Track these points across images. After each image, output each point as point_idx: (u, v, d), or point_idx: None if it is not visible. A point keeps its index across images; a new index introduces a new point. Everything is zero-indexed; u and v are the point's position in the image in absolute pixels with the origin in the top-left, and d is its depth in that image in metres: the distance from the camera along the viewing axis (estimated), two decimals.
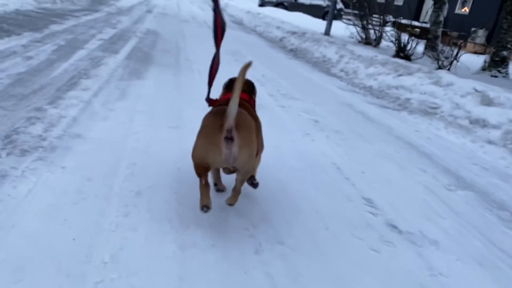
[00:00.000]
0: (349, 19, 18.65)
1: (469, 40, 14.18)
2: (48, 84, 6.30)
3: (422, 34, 16.81)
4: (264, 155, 4.76)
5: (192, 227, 3.28)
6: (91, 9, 17.84)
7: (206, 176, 3.19)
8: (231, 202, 3.47)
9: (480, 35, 24.08)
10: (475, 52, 19.23)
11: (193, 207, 3.53)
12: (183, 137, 4.87)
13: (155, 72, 8.37)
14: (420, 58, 13.92)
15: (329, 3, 24.24)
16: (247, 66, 2.98)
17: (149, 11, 21.34)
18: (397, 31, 14.60)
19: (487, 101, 7.96)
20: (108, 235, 3.01)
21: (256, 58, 11.84)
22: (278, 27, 19.70)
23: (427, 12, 18.22)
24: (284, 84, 9.07)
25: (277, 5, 33.09)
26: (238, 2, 33.50)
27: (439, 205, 4.41)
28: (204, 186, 3.18)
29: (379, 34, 16.61)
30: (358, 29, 17.18)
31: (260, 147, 3.52)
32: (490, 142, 6.89)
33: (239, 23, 23.82)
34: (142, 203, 3.50)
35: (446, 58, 12.90)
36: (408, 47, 13.97)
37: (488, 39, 24.52)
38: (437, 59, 12.83)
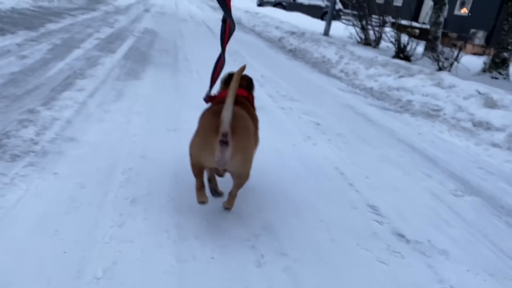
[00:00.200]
0: (348, 20, 18.49)
1: (468, 41, 14.06)
2: (42, 84, 6.12)
3: (421, 35, 16.68)
4: (266, 160, 4.64)
5: (190, 238, 3.11)
6: (88, 7, 17.65)
7: (202, 177, 3.18)
8: (228, 206, 3.40)
9: (479, 36, 23.98)
10: (474, 53, 19.14)
11: (191, 215, 3.38)
12: (181, 140, 4.68)
13: (152, 72, 8.19)
14: (420, 59, 13.78)
15: (328, 4, 24.14)
16: (242, 70, 2.92)
17: (147, 10, 21.15)
18: (397, 32, 14.46)
19: (491, 104, 7.81)
20: (101, 248, 2.84)
21: (255, 58, 11.69)
22: (277, 27, 19.55)
23: (427, 13, 18.11)
24: (284, 85, 8.91)
25: (275, 5, 32.96)
26: (236, 1, 33.29)
27: (446, 212, 4.25)
28: (200, 189, 3.19)
29: (379, 34, 16.46)
30: (358, 29, 17.03)
31: (255, 142, 3.49)
32: (494, 145, 6.75)
33: (237, 23, 23.63)
34: (137, 211, 3.32)
35: (446, 59, 12.77)
36: (408, 48, 13.83)
37: (487, 40, 24.45)
38: (437, 60, 12.69)
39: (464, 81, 9.03)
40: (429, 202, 4.43)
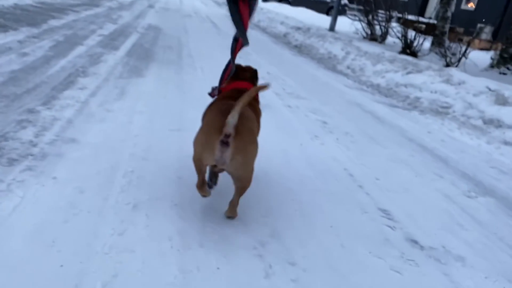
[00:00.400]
0: (354, 15, 18.29)
1: (477, 36, 13.88)
2: (43, 82, 5.97)
3: (428, 30, 16.48)
4: (272, 160, 4.51)
5: (194, 247, 2.95)
6: (91, 3, 17.47)
7: (203, 174, 3.17)
8: (230, 214, 3.30)
9: (486, 31, 23.73)
10: (480, 49, 18.92)
11: (195, 221, 3.24)
12: (184, 141, 4.53)
13: (156, 69, 8.04)
14: (427, 54, 13.60)
15: None
16: (262, 87, 3.00)
17: (151, 6, 20.97)
18: (404, 27, 14.28)
19: (502, 101, 7.63)
20: (100, 259, 2.68)
21: (260, 54, 11.52)
22: (282, 23, 19.37)
23: (434, 8, 17.90)
24: (290, 82, 8.75)
25: (280, 0, 32.73)
26: None
27: (460, 215, 4.10)
28: (201, 186, 3.22)
29: (385, 30, 16.26)
30: (364, 24, 16.84)
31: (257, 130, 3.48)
32: (506, 143, 6.58)
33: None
34: (139, 218, 3.18)
35: (453, 54, 12.60)
36: (415, 43, 13.65)
37: (494, 35, 24.21)
38: (445, 56, 12.52)
39: (474, 77, 8.86)
40: (442, 204, 4.28)
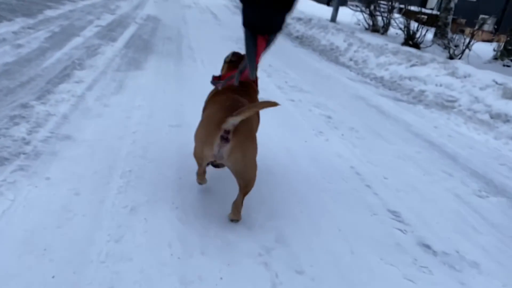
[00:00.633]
0: (356, 6, 18.05)
1: (480, 28, 13.67)
2: (38, 75, 5.77)
3: (429, 21, 16.26)
4: (276, 158, 4.34)
5: (196, 254, 2.77)
6: None
7: (203, 167, 3.23)
8: (234, 217, 3.13)
9: (488, 22, 23.55)
10: (482, 40, 18.72)
11: (197, 226, 3.06)
12: (185, 138, 4.36)
13: (155, 61, 7.84)
14: (430, 46, 13.40)
15: None
16: (272, 104, 2.92)
17: None
18: (407, 18, 14.08)
19: (510, 94, 7.44)
20: (95, 269, 2.50)
21: None
22: None
23: None
24: (292, 75, 8.55)
25: None
26: None
27: (472, 216, 3.93)
28: (200, 175, 3.35)
29: (387, 21, 16.04)
30: (365, 15, 16.62)
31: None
32: None
33: None
34: (137, 222, 2.99)
35: (456, 46, 12.42)
36: (418, 34, 13.46)
37: (496, 27, 24.02)
38: (448, 47, 12.33)
39: (479, 70, 8.65)
40: (453, 205, 4.10)
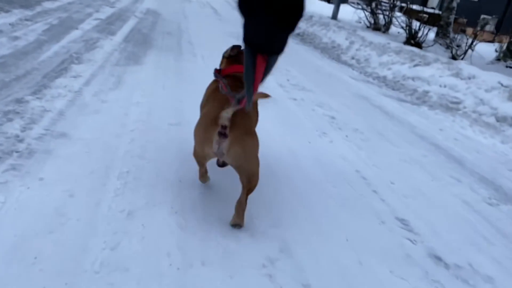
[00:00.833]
0: (357, 3, 17.88)
1: (483, 28, 13.51)
2: (34, 69, 5.59)
3: (431, 20, 16.10)
4: (279, 160, 4.19)
5: (196, 264, 2.61)
6: None
7: (204, 166, 3.25)
8: (237, 222, 2.97)
9: (490, 22, 23.40)
10: (483, 40, 18.58)
11: (197, 233, 2.90)
12: (184, 137, 4.20)
13: (154, 56, 7.66)
14: (432, 45, 13.25)
15: None
16: (262, 96, 2.96)
17: None
18: (409, 17, 13.92)
19: None
20: (89, 280, 2.33)
21: None
22: None
23: None
24: (294, 73, 8.38)
25: None
26: None
27: (483, 226, 3.77)
28: (202, 176, 3.38)
29: (389, 19, 15.88)
30: (367, 13, 16.45)
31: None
32: None
33: None
34: (134, 228, 2.83)
35: (458, 46, 12.27)
36: (420, 34, 13.30)
37: (497, 27, 23.88)
38: (450, 47, 12.19)
39: (484, 72, 8.49)
40: (463, 213, 3.95)
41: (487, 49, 14.40)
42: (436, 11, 18.95)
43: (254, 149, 2.93)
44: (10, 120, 3.96)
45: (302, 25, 15.67)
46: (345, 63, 10.85)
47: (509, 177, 4.97)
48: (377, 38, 12.26)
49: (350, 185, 4.03)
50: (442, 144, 5.71)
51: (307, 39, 13.84)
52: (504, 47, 13.56)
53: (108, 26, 9.73)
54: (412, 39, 13.35)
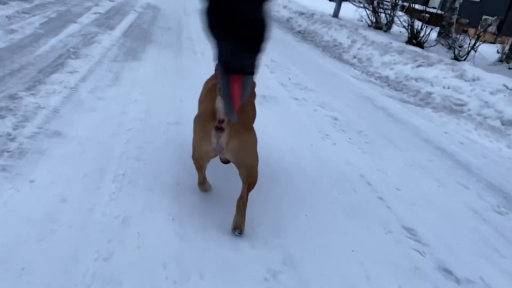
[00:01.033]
0: (359, 1, 17.71)
1: (479, 28, 13.34)
2: (30, 64, 5.43)
3: (432, 20, 15.94)
4: (282, 164, 4.05)
5: (194, 277, 2.44)
6: None
7: (203, 171, 3.14)
8: (238, 224, 2.86)
9: (493, 23, 23.25)
10: (484, 41, 18.44)
11: (195, 242, 2.74)
12: (183, 137, 4.05)
13: (153, 52, 7.50)
14: (434, 46, 13.09)
15: None
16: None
17: None
18: (410, 17, 13.77)
19: None
20: None
21: None
22: (285, 6, 18.81)
23: None
24: (295, 71, 8.22)
25: None
26: None
27: (494, 236, 3.62)
28: (202, 183, 3.24)
29: (390, 18, 15.71)
30: (368, 12, 16.29)
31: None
32: None
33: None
34: (129, 236, 2.66)
35: (460, 47, 12.12)
36: (422, 33, 13.14)
37: (499, 28, 23.73)
38: (453, 48, 12.03)
39: (489, 74, 8.34)
40: (472, 222, 3.80)
41: (488, 50, 14.26)
42: (438, 11, 18.75)
43: (253, 143, 2.89)
44: (2, 117, 3.80)
45: (303, 23, 15.53)
46: (346, 62, 10.70)
47: None
48: (379, 37, 12.11)
49: (355, 191, 3.88)
50: (448, 148, 5.57)
51: (308, 37, 13.68)
52: (507, 49, 13.42)
53: (107, 20, 9.56)
54: (414, 39, 13.20)
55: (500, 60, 13.11)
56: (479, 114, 7.28)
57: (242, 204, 2.86)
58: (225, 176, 3.49)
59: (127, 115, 4.50)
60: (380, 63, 10.34)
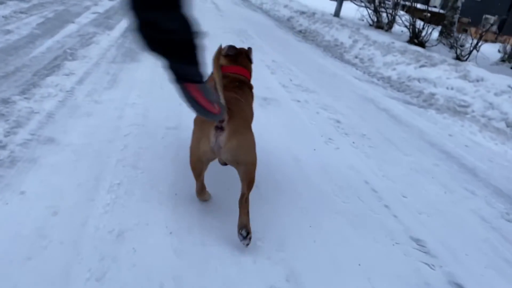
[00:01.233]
0: (361, 1, 17.56)
1: (481, 27, 13.20)
2: (25, 66, 5.29)
3: (435, 19, 15.80)
4: (284, 170, 3.91)
5: None
6: None
7: (201, 178, 3.00)
8: (243, 225, 2.74)
9: (495, 23, 23.13)
10: (485, 40, 18.31)
11: (194, 259, 2.59)
12: (182, 143, 3.91)
13: None
14: (435, 45, 12.96)
15: None
16: (218, 54, 2.73)
17: None
18: (412, 16, 13.63)
19: None
20: None
21: (264, 39, 10.88)
22: (285, 6, 18.69)
23: None
24: (297, 72, 8.07)
25: None
26: None
27: (504, 246, 3.49)
28: (200, 191, 3.11)
29: (392, 18, 15.57)
30: (370, 11, 16.15)
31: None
32: None
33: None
34: (124, 252, 2.52)
35: (462, 46, 11.99)
36: (423, 33, 13.00)
37: (500, 27, 23.59)
38: (455, 48, 11.89)
39: (493, 74, 8.19)
40: (481, 231, 3.66)
41: (489, 50, 14.13)
42: (440, 10, 18.61)
43: (251, 141, 2.83)
44: None
45: (304, 22, 15.39)
46: (348, 62, 10.56)
47: None
48: (380, 37, 11.96)
49: (360, 199, 3.74)
50: (454, 151, 5.43)
51: (309, 37, 13.54)
52: (508, 48, 13.29)
53: (106, 20, 9.41)
54: (416, 38, 13.06)
55: (502, 60, 12.98)
56: (483, 116, 7.15)
57: (244, 201, 2.77)
58: (225, 185, 3.36)
59: (124, 119, 4.36)
60: (382, 63, 10.20)
